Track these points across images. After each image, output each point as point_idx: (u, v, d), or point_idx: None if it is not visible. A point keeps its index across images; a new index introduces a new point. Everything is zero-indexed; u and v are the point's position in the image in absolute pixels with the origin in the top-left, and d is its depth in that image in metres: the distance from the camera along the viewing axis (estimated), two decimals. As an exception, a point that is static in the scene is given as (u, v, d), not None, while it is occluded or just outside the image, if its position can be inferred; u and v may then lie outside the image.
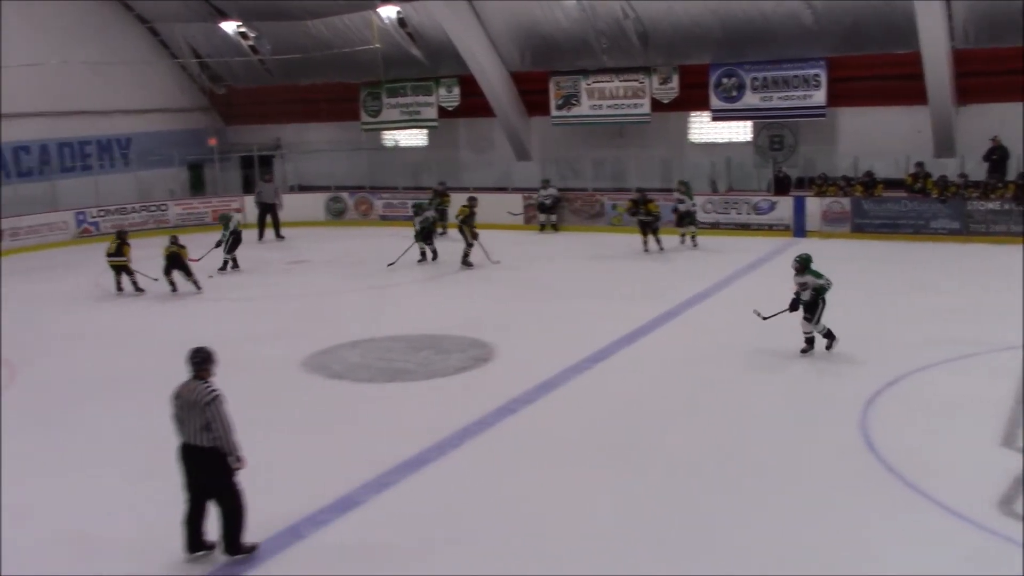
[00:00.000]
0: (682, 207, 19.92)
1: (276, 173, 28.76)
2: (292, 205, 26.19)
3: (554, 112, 24.52)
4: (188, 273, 17.12)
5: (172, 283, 17.19)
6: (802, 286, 11.69)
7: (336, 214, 26.21)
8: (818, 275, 11.65)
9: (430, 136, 27.14)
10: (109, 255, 17.42)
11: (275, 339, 13.82)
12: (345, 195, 26.25)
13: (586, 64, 24.00)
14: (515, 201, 23.37)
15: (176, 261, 17.11)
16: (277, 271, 19.40)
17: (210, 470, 7.04)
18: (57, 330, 15.08)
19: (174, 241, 17.30)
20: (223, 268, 19.06)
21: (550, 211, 22.84)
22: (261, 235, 23.46)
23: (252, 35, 27.20)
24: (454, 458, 9.08)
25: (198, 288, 17.13)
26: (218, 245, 19.12)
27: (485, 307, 15.45)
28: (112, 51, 26.41)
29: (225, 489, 7.06)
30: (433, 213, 19.76)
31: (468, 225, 18.59)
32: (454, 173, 25.78)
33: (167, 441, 9.85)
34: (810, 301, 11.67)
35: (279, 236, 23.49)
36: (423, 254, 19.32)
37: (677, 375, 11.45)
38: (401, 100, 26.53)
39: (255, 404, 10.95)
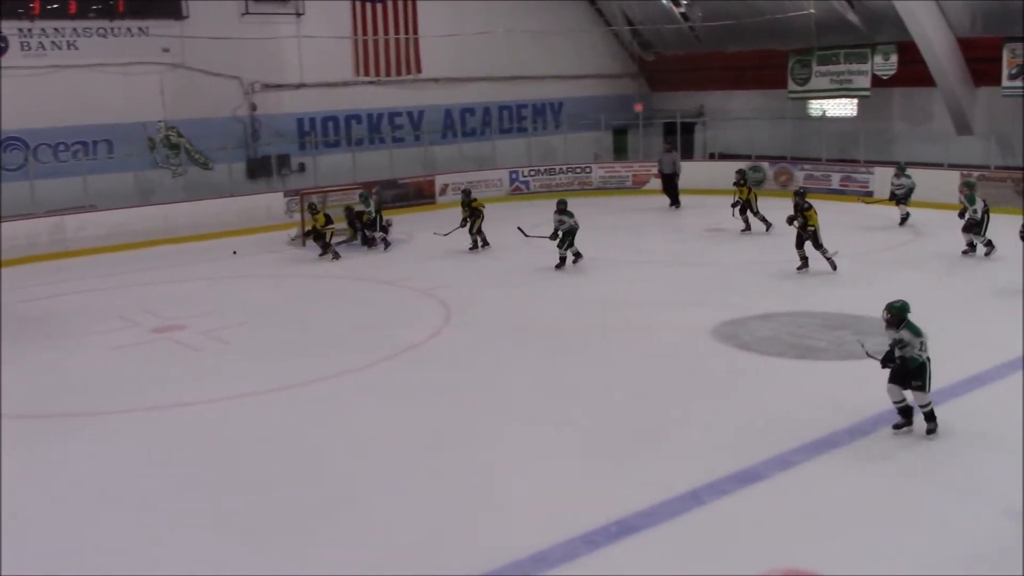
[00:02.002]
0: (971, 216, 16.42)
1: (697, 139, 28.95)
2: (710, 173, 26.18)
3: (1005, 82, 22.20)
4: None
5: (476, 241, 18.74)
6: (898, 344, 8.66)
7: (755, 183, 25.80)
8: (916, 332, 8.57)
9: (860, 106, 25.77)
10: (322, 226, 18.65)
11: (688, 305, 13.94)
12: (765, 165, 25.75)
13: (1049, 29, 21.48)
14: (952, 178, 21.49)
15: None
16: (693, 238, 19.55)
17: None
18: (484, 278, 16.36)
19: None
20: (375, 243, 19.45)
21: (903, 201, 20.05)
22: (674, 202, 23.75)
23: (684, 2, 27.37)
24: (865, 444, 8.65)
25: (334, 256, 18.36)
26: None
27: (910, 292, 14.41)
28: (552, 20, 27.89)
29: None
30: (575, 222, 16.66)
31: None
32: (884, 146, 24.32)
33: (574, 391, 10.40)
34: (911, 365, 8.61)
35: (674, 204, 23.60)
36: (563, 260, 16.79)
37: None
38: (832, 68, 25.43)
39: (666, 368, 11.22)
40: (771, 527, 7.23)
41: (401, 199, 24.51)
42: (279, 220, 22.08)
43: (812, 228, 15.47)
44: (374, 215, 19.36)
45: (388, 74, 26.05)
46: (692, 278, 15.94)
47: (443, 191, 25.27)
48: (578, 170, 26.88)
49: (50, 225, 19.90)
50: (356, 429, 9.58)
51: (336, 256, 18.32)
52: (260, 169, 24.10)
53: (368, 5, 25.36)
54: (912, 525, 7.20)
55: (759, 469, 8.13)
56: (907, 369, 8.62)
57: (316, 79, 24.81)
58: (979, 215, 16.19)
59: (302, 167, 24.67)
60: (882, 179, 22.79)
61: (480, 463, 8.61)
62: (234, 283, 16.98)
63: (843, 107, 26.27)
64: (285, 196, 22.68)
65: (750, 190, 19.94)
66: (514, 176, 26.45)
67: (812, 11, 24.04)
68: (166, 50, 22.31)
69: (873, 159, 24.06)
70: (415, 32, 26.08)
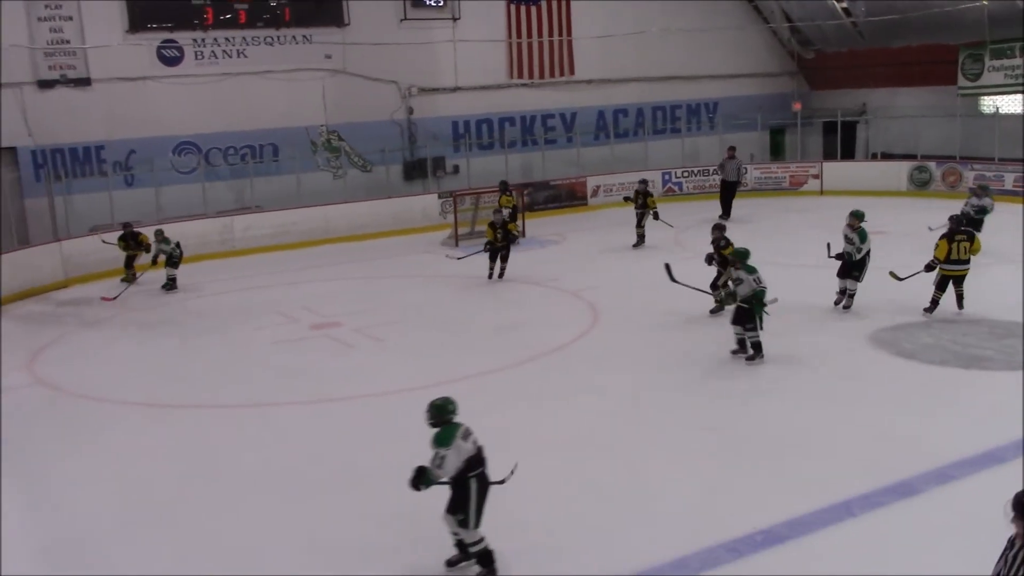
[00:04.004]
0: (849, 250, 13.28)
1: (859, 139, 27.93)
2: (871, 174, 25.33)
3: None
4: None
5: (493, 271, 16.78)
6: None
7: (920, 184, 24.75)
8: (443, 441, 6.44)
9: (1037, 102, 24.34)
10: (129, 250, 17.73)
11: (844, 309, 13.49)
12: (931, 165, 24.63)
13: None
14: None
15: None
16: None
17: None
18: (633, 280, 16.21)
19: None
20: (167, 286, 17.31)
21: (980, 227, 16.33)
22: (726, 212, 22.04)
23: (847, -3, 26.52)
24: (1032, 462, 8.18)
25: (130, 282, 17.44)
26: (154, 263, 17.51)
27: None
28: (708, 18, 27.43)
29: None
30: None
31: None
32: (1062, 145, 22.93)
33: (723, 395, 10.21)
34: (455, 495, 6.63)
35: (725, 215, 21.79)
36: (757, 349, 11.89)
37: None
38: (1007, 62, 24.08)
39: (820, 375, 10.90)
40: (925, 544, 6.91)
41: (553, 200, 24.68)
42: (434, 221, 22.54)
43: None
44: (175, 254, 17.43)
45: (542, 76, 26.22)
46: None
47: (595, 193, 25.28)
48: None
49: (219, 225, 20.95)
50: (503, 428, 9.64)
51: (132, 279, 17.51)
52: (416, 171, 24.67)
53: (523, 7, 25.60)
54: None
55: (916, 483, 7.81)
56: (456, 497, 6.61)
57: (471, 82, 25.22)
58: (862, 255, 13.15)
59: (456, 169, 25.11)
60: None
61: (624, 465, 8.57)
62: (389, 283, 17.43)
63: (1018, 103, 24.83)
64: (439, 198, 23.12)
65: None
66: (667, 177, 26.18)
67: (985, 2, 22.85)
68: (328, 56, 23.14)
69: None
70: (569, 34, 26.17)
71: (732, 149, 23.14)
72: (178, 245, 17.50)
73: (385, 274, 18.15)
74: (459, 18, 24.65)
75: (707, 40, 27.50)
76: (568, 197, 24.95)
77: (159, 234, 17.59)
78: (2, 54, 19.67)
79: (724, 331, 12.75)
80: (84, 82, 20.74)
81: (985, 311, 12.96)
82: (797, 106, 28.29)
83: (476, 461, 6.52)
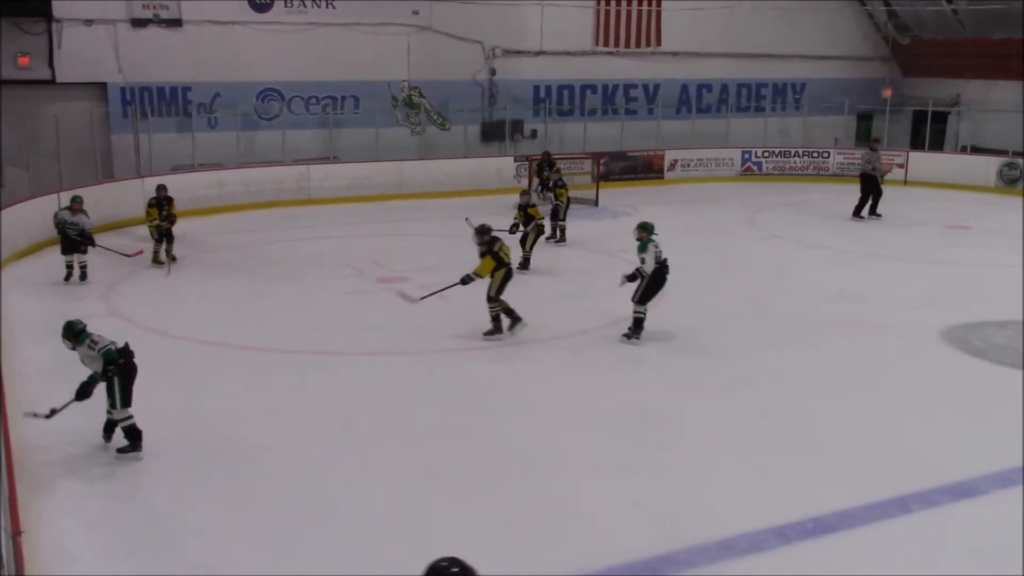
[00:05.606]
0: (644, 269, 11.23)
1: (949, 131, 27.15)
2: (958, 167, 24.62)
3: None
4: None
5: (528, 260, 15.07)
6: None
7: (1009, 181, 23.98)
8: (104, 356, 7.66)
9: None
10: (153, 221, 15.00)
11: (919, 304, 13.20)
12: (1022, 161, 23.86)
13: None
14: None
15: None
16: (933, 234, 18.42)
17: None
18: (705, 259, 16.04)
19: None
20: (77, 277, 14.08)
21: None
22: (858, 210, 19.85)
23: (949, -17, 25.68)
24: (1101, 471, 7.94)
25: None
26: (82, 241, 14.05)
27: None
28: (802, -4, 26.87)
29: None
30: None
31: None
32: None
33: (786, 380, 10.08)
34: None
35: (874, 213, 19.85)
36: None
37: None
38: (1113, 60, 23.17)
39: (886, 368, 10.70)
40: (981, 546, 6.77)
41: (629, 172, 24.47)
42: (508, 184, 22.52)
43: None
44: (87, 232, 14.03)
45: (627, 45, 25.90)
46: (927, 276, 15.05)
47: (672, 167, 25.00)
48: (815, 154, 25.81)
49: (296, 173, 21.19)
50: (558, 396, 9.69)
51: (165, 261, 15.04)
52: (494, 133, 24.64)
53: (613, -25, 25.33)
54: None
55: (977, 484, 7.65)
56: None
57: (556, 47, 25.03)
58: (647, 274, 11.15)
59: (534, 133, 25.02)
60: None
61: (677, 441, 8.53)
62: (458, 242, 17.40)
63: (1122, 103, 23.89)
64: (515, 161, 23.09)
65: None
66: (746, 156, 25.73)
67: (1094, -3, 21.98)
68: (415, 12, 23.14)
69: None
70: (658, 4, 25.80)
71: (876, 139, 21.15)
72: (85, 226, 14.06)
73: (455, 233, 18.10)
74: (548, -19, 24.48)
75: (799, 19, 26.93)
76: (644, 169, 24.72)
77: (77, 201, 14.23)
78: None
79: (794, 315, 12.61)
80: (176, 23, 21.04)
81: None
82: (887, 92, 27.53)
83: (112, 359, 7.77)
